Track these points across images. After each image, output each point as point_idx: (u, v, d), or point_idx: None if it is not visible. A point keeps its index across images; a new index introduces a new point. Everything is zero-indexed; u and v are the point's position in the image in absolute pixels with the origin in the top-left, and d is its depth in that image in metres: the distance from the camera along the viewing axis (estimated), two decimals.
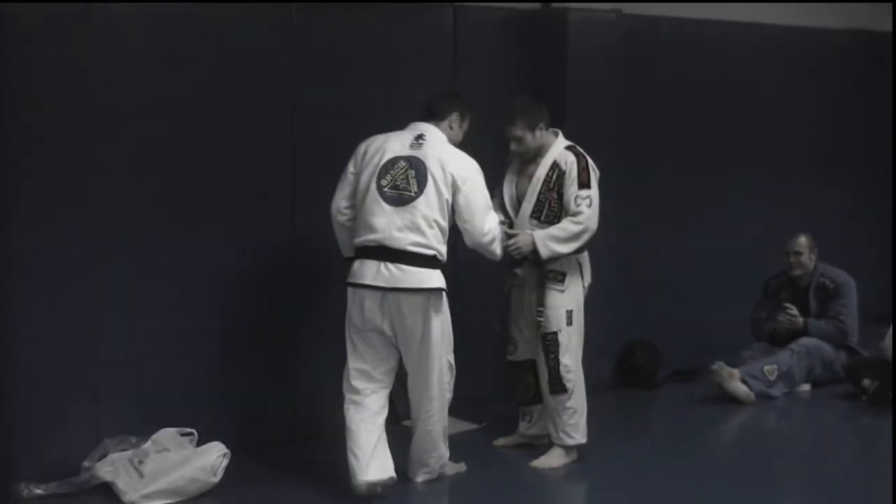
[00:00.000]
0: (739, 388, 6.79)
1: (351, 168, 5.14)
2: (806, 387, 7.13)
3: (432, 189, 4.94)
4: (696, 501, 5.20)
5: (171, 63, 5.41)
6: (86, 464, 5.17)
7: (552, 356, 5.43)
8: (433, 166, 4.98)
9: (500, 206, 5.50)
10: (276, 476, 5.44)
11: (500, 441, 5.84)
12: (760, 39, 8.12)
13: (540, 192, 5.42)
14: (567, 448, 5.52)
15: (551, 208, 5.40)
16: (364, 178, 5.04)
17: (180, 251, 5.52)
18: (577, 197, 5.33)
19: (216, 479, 5.14)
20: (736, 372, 6.84)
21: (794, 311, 7.13)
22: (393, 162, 5.00)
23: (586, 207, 5.32)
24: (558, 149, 5.43)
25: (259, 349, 5.79)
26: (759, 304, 7.43)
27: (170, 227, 5.49)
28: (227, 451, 5.21)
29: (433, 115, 5.21)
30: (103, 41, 5.18)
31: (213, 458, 5.16)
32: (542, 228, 5.35)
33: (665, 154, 7.57)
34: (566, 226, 5.32)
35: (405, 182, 4.96)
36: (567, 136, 5.52)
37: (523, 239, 5.32)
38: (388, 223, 4.91)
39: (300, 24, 5.81)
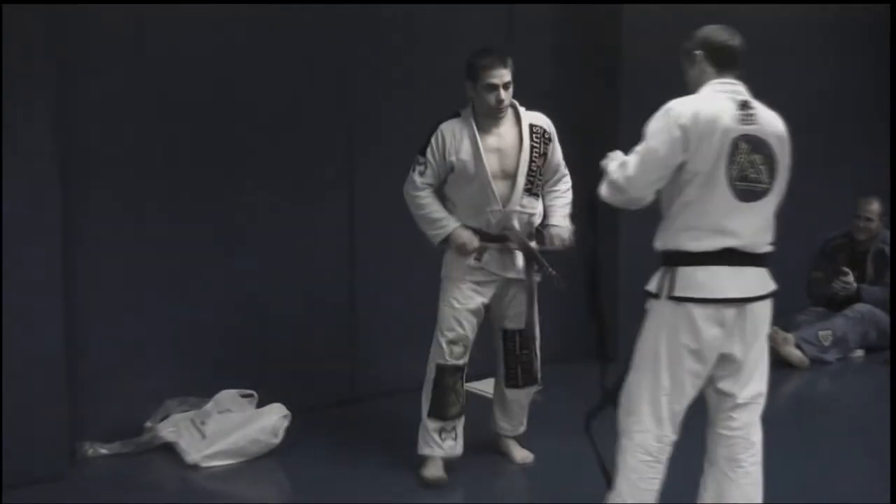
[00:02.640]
0: (793, 353, 6.73)
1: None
2: (860, 352, 7.03)
3: None
4: None
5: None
6: (148, 424, 5.14)
7: (525, 351, 4.85)
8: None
9: (473, 181, 4.61)
10: (336, 437, 5.35)
11: (431, 474, 4.74)
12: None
13: (532, 162, 4.67)
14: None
15: (539, 179, 4.72)
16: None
17: (238, 215, 5.45)
18: (561, 163, 4.83)
19: (277, 441, 5.10)
20: (790, 336, 6.77)
21: (850, 277, 7.03)
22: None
23: (566, 170, 4.87)
24: (524, 111, 4.71)
25: (318, 310, 5.69)
26: (816, 265, 7.34)
27: (225, 191, 5.40)
28: (287, 412, 5.16)
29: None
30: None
31: (274, 419, 5.11)
32: (529, 204, 4.69)
33: None
34: (565, 199, 4.82)
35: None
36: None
37: (558, 235, 4.75)
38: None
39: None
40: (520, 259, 4.72)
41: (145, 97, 5.13)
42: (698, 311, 3.71)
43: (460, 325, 4.68)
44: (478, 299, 4.70)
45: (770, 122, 3.80)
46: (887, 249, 7.08)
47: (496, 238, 4.66)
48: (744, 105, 3.75)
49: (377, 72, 5.76)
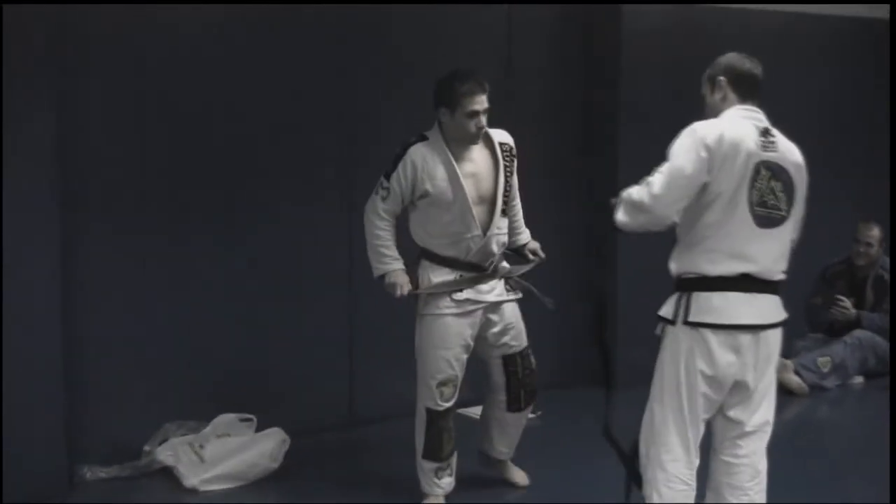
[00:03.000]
0: (792, 380, 6.69)
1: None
2: (859, 379, 6.98)
3: None
4: None
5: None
6: (146, 448, 5.10)
7: (527, 371, 4.72)
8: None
9: (451, 208, 4.44)
10: (335, 462, 5.34)
11: None
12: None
13: (506, 183, 4.54)
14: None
15: (508, 198, 4.61)
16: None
17: (233, 238, 5.43)
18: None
19: (276, 465, 5.08)
20: (789, 363, 6.72)
21: (847, 303, 7.01)
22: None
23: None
24: (491, 130, 4.54)
25: (317, 334, 5.66)
26: (815, 291, 7.27)
27: (227, 212, 5.40)
28: (286, 437, 5.15)
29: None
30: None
31: (273, 443, 5.10)
32: (503, 225, 4.58)
33: None
34: (520, 209, 4.74)
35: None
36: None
37: (536, 248, 4.75)
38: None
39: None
40: (496, 282, 4.59)
41: (146, 98, 5.12)
42: (714, 337, 3.69)
43: (450, 365, 4.50)
44: (466, 334, 4.51)
45: (789, 150, 3.82)
46: (887, 276, 7.03)
47: (475, 267, 4.52)
48: (765, 132, 3.77)
49: (377, 72, 5.72)
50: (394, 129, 5.45)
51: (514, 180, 4.64)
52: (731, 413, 3.84)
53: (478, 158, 4.51)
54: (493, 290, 4.56)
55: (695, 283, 3.73)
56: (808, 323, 7.20)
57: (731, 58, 3.93)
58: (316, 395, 5.62)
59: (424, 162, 4.41)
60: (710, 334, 3.69)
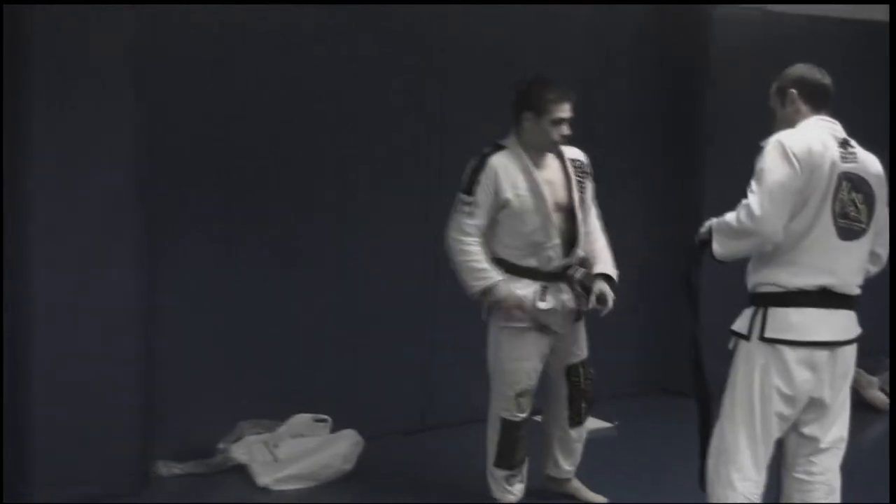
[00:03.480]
0: (878, 397, 6.60)
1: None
2: None
3: None
4: None
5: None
6: (221, 445, 5.13)
7: (588, 380, 4.65)
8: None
9: (533, 215, 4.40)
10: (408, 466, 5.31)
11: None
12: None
13: (580, 194, 4.52)
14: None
15: (577, 210, 4.55)
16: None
17: (314, 241, 5.43)
18: (593, 200, 4.64)
19: (349, 467, 5.09)
20: (875, 380, 6.65)
21: None
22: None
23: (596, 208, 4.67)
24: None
25: (393, 337, 5.65)
26: None
27: (302, 219, 5.41)
28: (360, 439, 5.16)
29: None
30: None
31: (347, 445, 5.11)
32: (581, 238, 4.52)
33: None
34: (603, 237, 4.61)
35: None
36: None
37: (605, 290, 4.48)
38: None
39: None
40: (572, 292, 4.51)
41: (226, 101, 5.14)
42: (791, 354, 3.65)
43: (529, 377, 4.48)
44: (544, 343, 4.49)
45: (869, 161, 3.78)
46: None
47: (556, 277, 4.46)
48: (844, 143, 3.73)
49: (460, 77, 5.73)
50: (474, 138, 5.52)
51: (588, 197, 4.59)
52: (807, 430, 3.79)
53: (552, 167, 4.50)
54: (569, 299, 4.48)
55: (772, 297, 3.69)
56: (893, 338, 6.79)
57: (801, 69, 3.88)
58: (391, 400, 5.62)
59: (505, 171, 4.39)
60: (786, 350, 3.65)
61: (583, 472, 4.84)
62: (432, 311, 5.73)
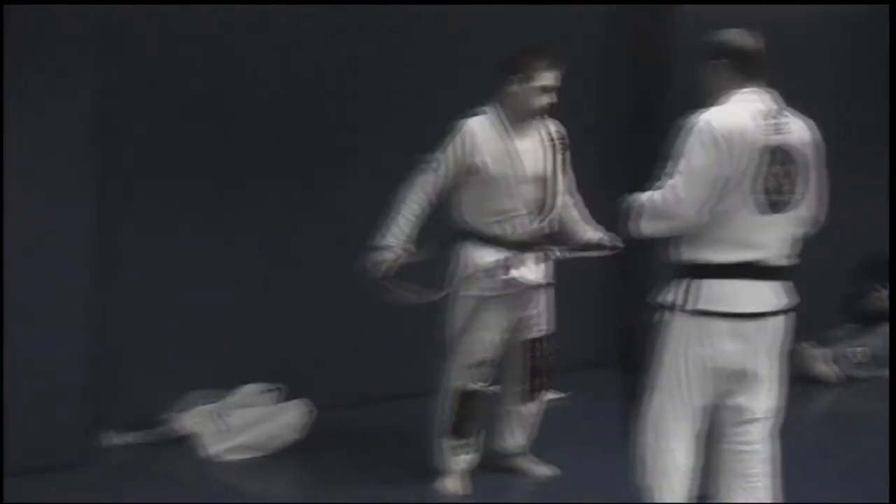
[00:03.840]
0: (825, 370, 6.73)
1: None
2: None
3: None
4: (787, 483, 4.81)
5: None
6: (170, 415, 5.18)
7: (548, 354, 4.69)
8: None
9: (507, 187, 4.45)
10: (357, 436, 5.38)
11: (452, 487, 4.64)
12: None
13: (556, 166, 4.60)
14: None
15: (559, 184, 4.66)
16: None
17: (262, 218, 5.50)
18: (570, 172, 4.70)
19: (298, 437, 5.14)
20: (823, 352, 6.77)
21: (884, 294, 7.09)
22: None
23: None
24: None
25: (341, 311, 5.71)
26: (853, 280, 7.31)
27: (251, 198, 5.47)
28: (311, 409, 5.21)
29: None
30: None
31: (296, 415, 5.17)
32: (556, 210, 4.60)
33: None
34: (583, 208, 4.72)
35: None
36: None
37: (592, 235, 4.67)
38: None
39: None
40: (540, 264, 4.54)
41: (177, 94, 5.20)
42: (720, 325, 3.68)
43: (489, 348, 4.50)
44: (503, 315, 4.49)
45: (801, 130, 3.75)
46: None
47: (523, 246, 4.46)
48: (772, 114, 3.69)
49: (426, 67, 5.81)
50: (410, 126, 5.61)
51: (570, 171, 4.62)
52: (740, 400, 3.81)
53: (531, 136, 4.49)
54: (538, 272, 4.50)
55: (700, 270, 3.70)
56: (844, 312, 7.21)
57: (731, 35, 3.79)
58: (338, 372, 5.66)
59: (484, 134, 4.40)
60: (715, 322, 3.67)
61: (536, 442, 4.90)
62: (374, 289, 5.77)
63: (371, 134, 5.77)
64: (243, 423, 5.04)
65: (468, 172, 4.40)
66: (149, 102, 5.16)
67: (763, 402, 3.84)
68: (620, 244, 4.66)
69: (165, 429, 5.11)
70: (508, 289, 4.45)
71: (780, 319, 3.79)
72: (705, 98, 3.75)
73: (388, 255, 4.42)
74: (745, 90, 3.72)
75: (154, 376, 5.21)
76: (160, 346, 5.24)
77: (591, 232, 4.74)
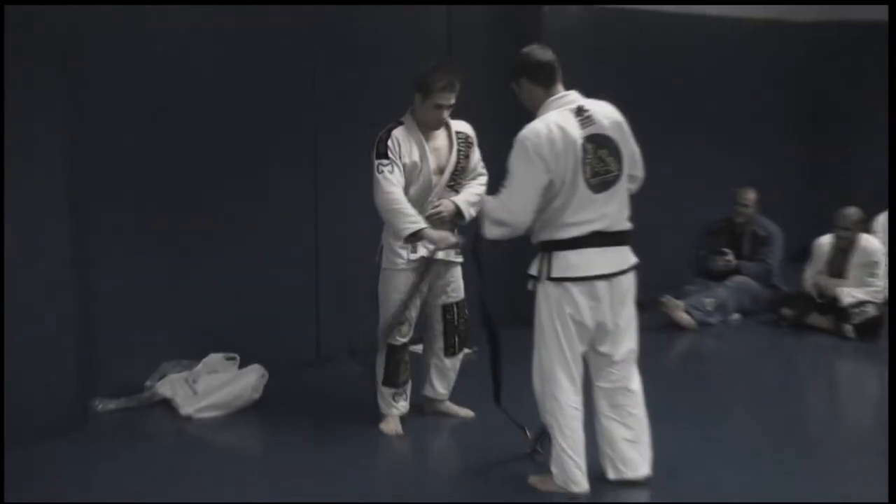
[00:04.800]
0: (683, 317, 7.12)
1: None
2: (737, 316, 7.43)
3: None
4: (652, 408, 5.28)
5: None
6: (148, 383, 5.42)
7: (462, 319, 5.10)
8: None
9: (419, 177, 4.85)
10: (307, 393, 5.64)
11: (390, 429, 5.06)
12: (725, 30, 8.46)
13: (458, 162, 4.91)
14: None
15: (461, 177, 4.97)
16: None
17: (222, 209, 5.71)
18: (480, 163, 5.05)
19: (257, 395, 5.40)
20: (681, 303, 7.16)
21: (730, 255, 7.44)
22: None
23: (484, 171, 5.06)
24: (452, 121, 4.97)
25: (289, 284, 5.98)
26: (700, 243, 7.64)
27: (212, 192, 5.68)
28: (265, 372, 5.46)
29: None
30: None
31: (254, 377, 5.41)
32: (447, 195, 4.93)
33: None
34: (478, 189, 4.95)
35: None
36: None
37: (446, 205, 4.88)
38: None
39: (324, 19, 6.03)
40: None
41: (146, 96, 5.35)
42: (575, 288, 4.01)
43: (407, 309, 4.90)
44: (419, 283, 4.90)
45: (605, 115, 4.02)
46: (762, 232, 7.47)
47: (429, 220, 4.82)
48: (579, 111, 3.97)
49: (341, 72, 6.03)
50: (356, 126, 5.77)
51: (475, 158, 5.00)
52: (601, 348, 4.17)
53: (440, 136, 4.92)
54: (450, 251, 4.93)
55: (553, 244, 4.01)
56: (694, 270, 7.61)
57: (522, 55, 4.04)
58: (289, 338, 5.95)
59: (405, 140, 4.79)
60: (571, 286, 3.99)
61: (453, 391, 5.25)
62: (318, 264, 6.10)
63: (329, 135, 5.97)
64: (210, 387, 5.26)
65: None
66: (122, 105, 5.25)
67: (623, 346, 4.18)
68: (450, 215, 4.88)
69: (145, 395, 5.32)
70: (416, 264, 4.83)
71: (627, 277, 4.10)
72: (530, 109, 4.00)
73: (429, 230, 4.70)
74: (553, 97, 4.00)
75: (134, 350, 5.38)
76: (139, 324, 5.40)
77: (459, 198, 4.93)
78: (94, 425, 5.10)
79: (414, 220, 4.74)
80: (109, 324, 5.34)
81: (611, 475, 4.30)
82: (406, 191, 4.83)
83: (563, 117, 3.94)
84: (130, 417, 5.25)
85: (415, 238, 4.76)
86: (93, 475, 4.58)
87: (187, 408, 5.25)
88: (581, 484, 4.18)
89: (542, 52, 4.04)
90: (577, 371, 4.15)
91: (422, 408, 5.27)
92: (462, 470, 4.75)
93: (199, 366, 5.47)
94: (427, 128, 4.90)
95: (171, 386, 5.35)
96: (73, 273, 4.95)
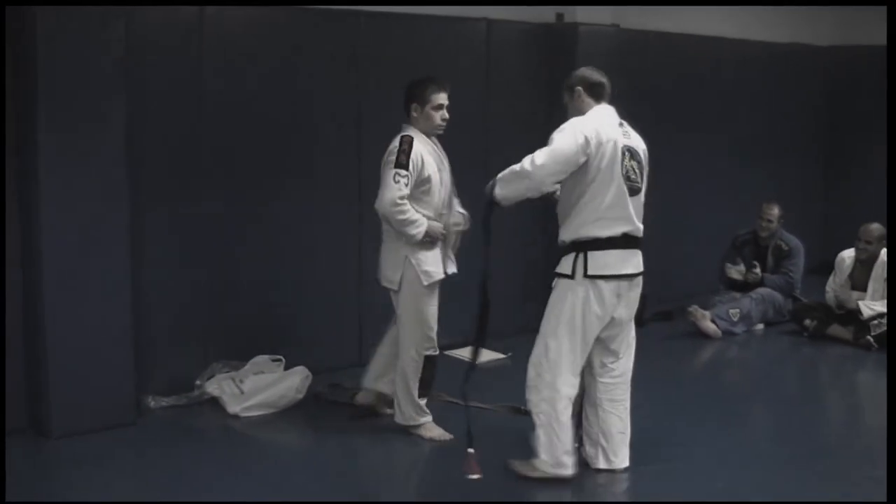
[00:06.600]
0: (710, 327, 7.08)
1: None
2: (761, 326, 7.39)
3: None
4: (679, 412, 5.42)
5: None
6: (198, 382, 5.46)
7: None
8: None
9: (441, 185, 4.82)
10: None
11: (438, 434, 4.99)
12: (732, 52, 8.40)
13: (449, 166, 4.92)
14: None
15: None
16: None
17: (270, 218, 5.74)
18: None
19: (301, 396, 5.42)
20: (707, 313, 7.12)
21: (757, 268, 7.39)
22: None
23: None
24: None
25: (332, 291, 6.00)
26: (726, 256, 7.59)
27: (261, 201, 5.71)
28: (309, 373, 5.49)
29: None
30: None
31: (298, 379, 5.44)
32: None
33: (656, 143, 7.66)
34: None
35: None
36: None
37: (464, 218, 4.95)
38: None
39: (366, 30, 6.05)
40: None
41: (201, 102, 5.39)
42: (606, 286, 4.22)
43: (437, 323, 4.89)
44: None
45: (638, 139, 4.35)
46: (785, 246, 7.40)
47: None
48: (621, 124, 4.30)
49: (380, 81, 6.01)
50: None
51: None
52: (609, 343, 4.35)
53: (438, 150, 4.86)
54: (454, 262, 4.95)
55: (589, 244, 4.18)
56: (720, 281, 7.58)
57: (585, 71, 4.39)
58: (332, 341, 5.99)
59: (424, 152, 4.71)
60: (603, 283, 4.19)
61: (485, 394, 5.24)
62: (360, 270, 6.03)
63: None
64: (256, 387, 5.29)
65: (419, 184, 4.69)
66: (172, 112, 5.30)
67: (626, 342, 4.39)
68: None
69: (195, 393, 5.36)
70: (435, 285, 4.81)
71: (640, 279, 4.34)
72: (567, 116, 4.30)
73: (429, 224, 4.68)
74: (598, 107, 4.32)
75: (185, 350, 5.44)
76: (190, 326, 5.46)
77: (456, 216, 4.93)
78: (147, 420, 5.17)
79: (421, 223, 4.71)
80: (163, 324, 5.41)
81: (600, 464, 4.46)
82: (426, 207, 4.76)
83: (609, 120, 4.25)
84: (180, 414, 5.30)
85: (427, 236, 4.74)
86: (147, 467, 4.64)
87: (234, 406, 5.29)
88: (569, 467, 4.32)
89: (599, 73, 4.38)
90: (580, 365, 4.31)
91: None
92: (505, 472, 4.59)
93: (247, 366, 5.51)
94: (430, 135, 4.83)
95: (219, 385, 5.39)
96: (133, 275, 5.02)
